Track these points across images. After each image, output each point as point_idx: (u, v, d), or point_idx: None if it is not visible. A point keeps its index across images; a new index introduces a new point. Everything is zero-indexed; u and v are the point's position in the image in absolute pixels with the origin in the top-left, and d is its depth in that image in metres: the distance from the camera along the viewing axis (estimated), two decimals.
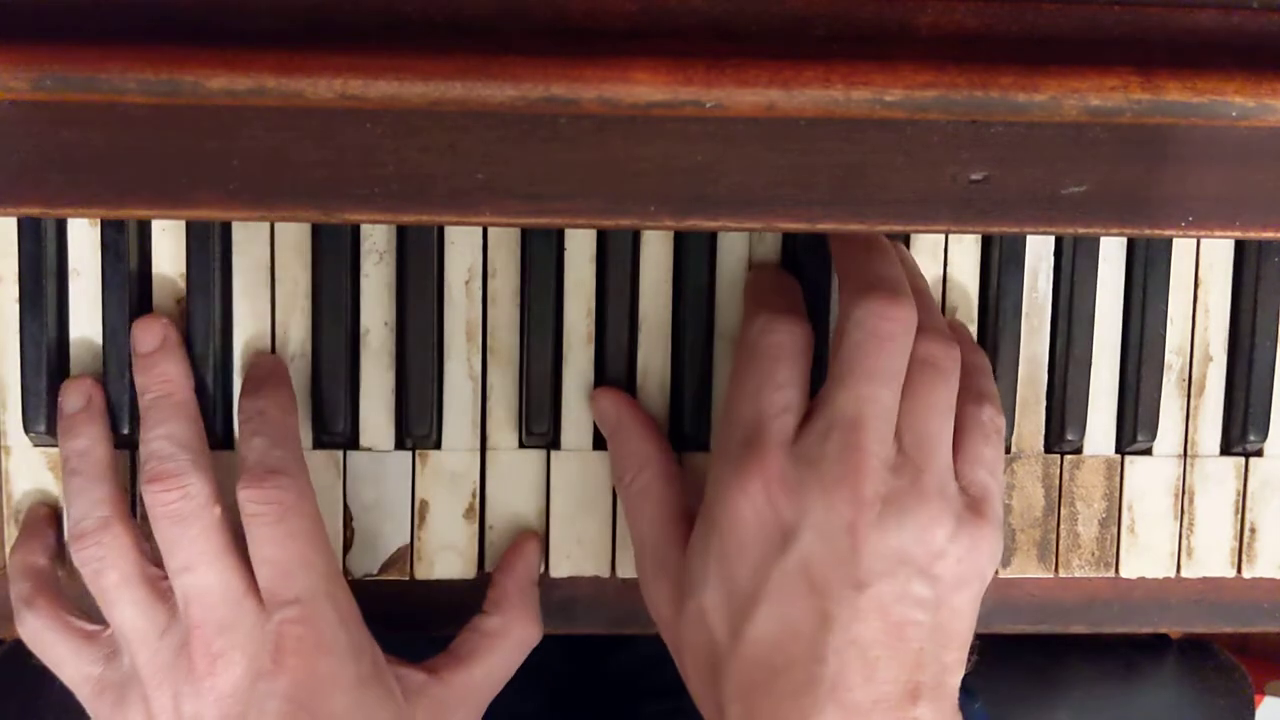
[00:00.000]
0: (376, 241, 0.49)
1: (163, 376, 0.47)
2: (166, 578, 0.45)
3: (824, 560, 0.42)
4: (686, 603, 0.45)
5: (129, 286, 0.48)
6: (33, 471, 0.49)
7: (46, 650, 0.47)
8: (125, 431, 0.48)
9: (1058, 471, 0.52)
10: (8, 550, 0.48)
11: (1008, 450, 0.51)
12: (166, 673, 0.44)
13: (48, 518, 0.49)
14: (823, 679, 0.41)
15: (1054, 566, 0.52)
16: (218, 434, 0.49)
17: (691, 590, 0.44)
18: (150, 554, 0.46)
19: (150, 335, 0.47)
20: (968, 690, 0.48)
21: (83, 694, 0.46)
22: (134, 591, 0.45)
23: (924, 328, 0.45)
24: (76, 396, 0.48)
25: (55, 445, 0.49)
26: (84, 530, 0.45)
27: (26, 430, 0.48)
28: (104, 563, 0.45)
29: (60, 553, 0.48)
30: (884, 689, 0.41)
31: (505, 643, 0.48)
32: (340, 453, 0.49)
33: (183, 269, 0.48)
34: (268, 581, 0.44)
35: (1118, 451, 0.52)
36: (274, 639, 0.44)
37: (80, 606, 0.47)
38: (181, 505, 0.44)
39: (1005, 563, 0.52)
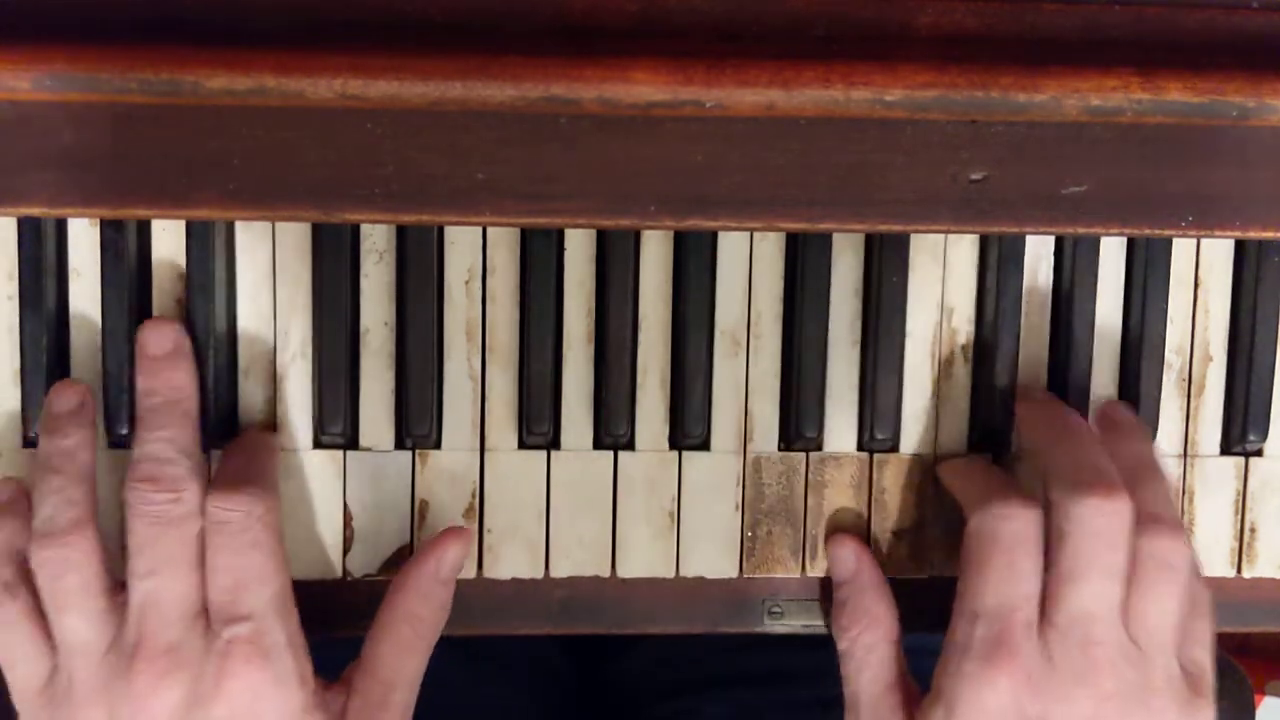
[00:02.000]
0: (376, 241, 0.49)
1: (171, 383, 0.46)
2: (123, 593, 0.44)
3: None
4: None
5: (129, 286, 0.48)
6: (21, 474, 0.49)
7: (7, 646, 0.45)
8: (124, 432, 0.48)
9: None
10: None
11: (1007, 449, 0.51)
12: (103, 692, 0.43)
13: (21, 493, 0.47)
14: None
15: None
16: (221, 435, 0.49)
17: None
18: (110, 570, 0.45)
19: (162, 340, 0.47)
20: None
21: (15, 698, 0.45)
22: (91, 601, 0.44)
23: (1156, 519, 0.46)
24: (71, 397, 0.47)
25: None
26: (53, 529, 0.44)
27: (26, 430, 0.48)
28: (68, 565, 0.44)
29: None
30: None
31: (396, 631, 0.47)
32: (340, 453, 0.49)
33: (183, 269, 0.48)
34: (221, 593, 0.44)
35: None
36: (219, 660, 0.43)
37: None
38: (169, 509, 0.44)
39: None
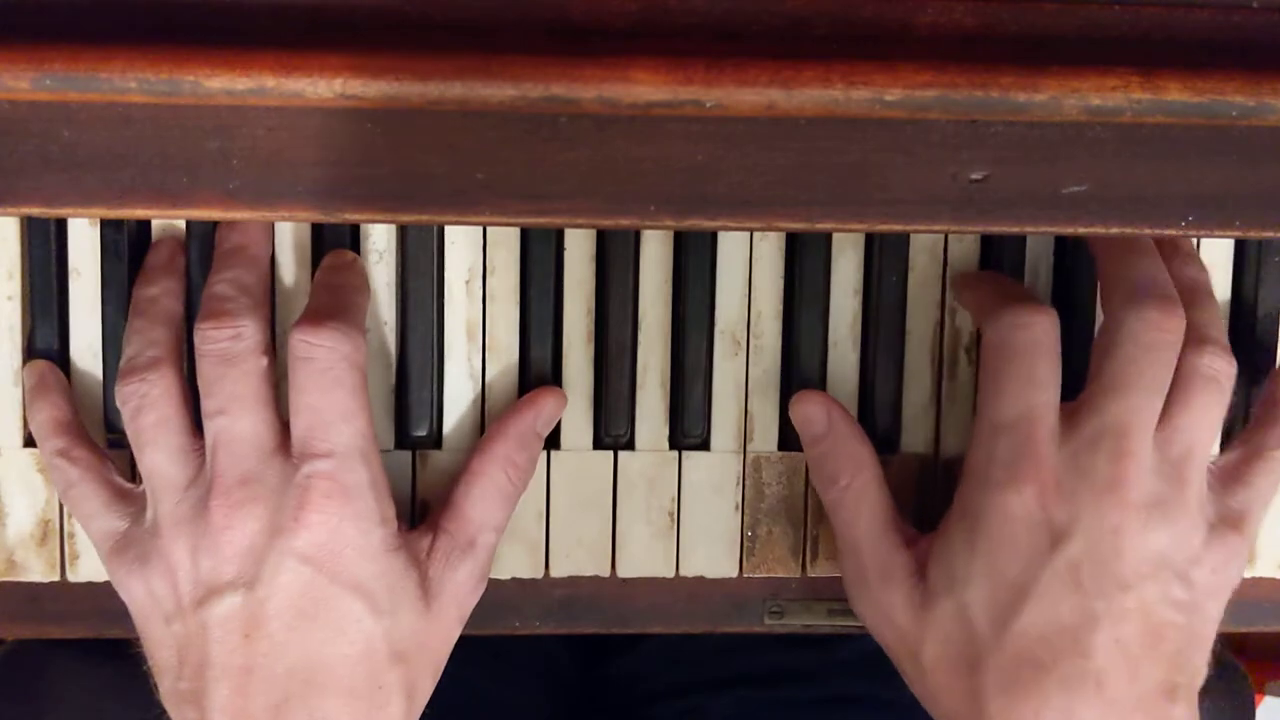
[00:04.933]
0: (376, 241, 0.49)
1: (245, 230, 0.46)
2: (201, 433, 0.44)
3: (1091, 561, 0.43)
4: (940, 601, 0.45)
5: (129, 286, 0.48)
6: (21, 473, 0.49)
7: (78, 504, 0.46)
8: (124, 431, 0.48)
9: None
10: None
11: None
12: (186, 525, 0.43)
13: (49, 371, 0.48)
14: (1088, 674, 0.43)
15: None
16: None
17: (949, 588, 0.45)
18: (192, 411, 0.45)
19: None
20: None
21: (103, 550, 0.46)
22: (170, 437, 0.44)
23: (1205, 338, 0.46)
24: (163, 252, 0.47)
25: None
26: (134, 366, 0.45)
27: (26, 429, 0.48)
28: (146, 400, 0.44)
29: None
30: (1145, 687, 0.43)
31: (484, 478, 0.47)
32: None
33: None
34: (304, 430, 0.44)
35: None
36: (299, 493, 0.43)
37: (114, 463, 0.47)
38: (231, 345, 0.44)
39: None
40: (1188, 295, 0.46)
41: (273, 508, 0.43)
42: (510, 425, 0.48)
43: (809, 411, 0.49)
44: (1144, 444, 0.44)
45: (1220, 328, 0.47)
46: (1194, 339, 0.45)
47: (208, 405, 0.44)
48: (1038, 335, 0.45)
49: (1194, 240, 0.50)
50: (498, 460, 0.47)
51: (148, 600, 0.44)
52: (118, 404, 0.45)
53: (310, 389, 0.44)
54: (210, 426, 0.44)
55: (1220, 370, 0.45)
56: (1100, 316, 0.51)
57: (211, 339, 0.44)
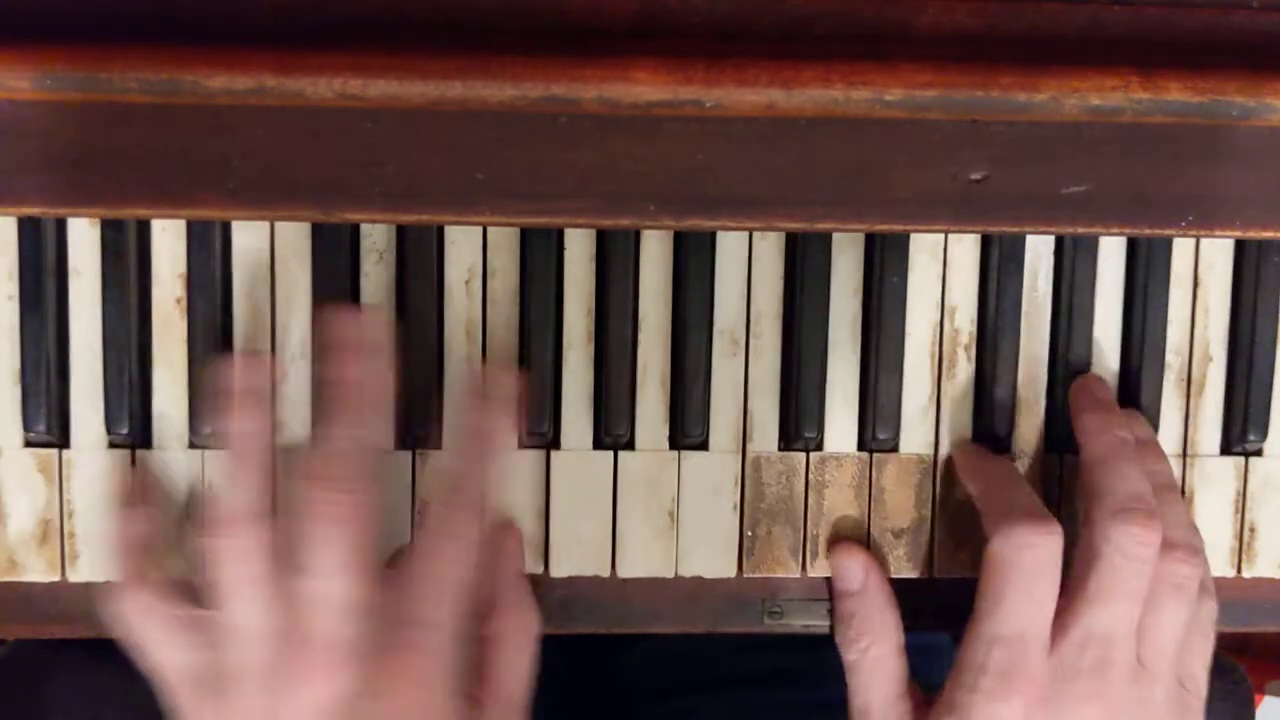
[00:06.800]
0: (376, 241, 0.49)
1: (363, 362, 0.46)
2: (288, 580, 0.44)
3: None
4: None
5: (129, 286, 0.48)
6: (21, 473, 0.49)
7: (142, 632, 0.46)
8: (124, 432, 0.48)
9: (1058, 472, 0.52)
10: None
11: (1008, 449, 0.51)
12: (270, 674, 0.43)
13: (144, 485, 0.48)
14: None
15: None
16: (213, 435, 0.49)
17: None
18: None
19: (358, 327, 0.46)
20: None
21: (169, 680, 0.45)
22: (261, 589, 0.44)
23: (1172, 543, 0.47)
24: (256, 374, 0.47)
25: (49, 446, 0.48)
26: (232, 517, 0.44)
27: (26, 429, 0.48)
28: (240, 554, 0.44)
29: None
30: None
31: (514, 640, 0.48)
32: None
33: (183, 269, 0.48)
34: (412, 597, 0.44)
35: None
36: (388, 660, 0.43)
37: (180, 585, 0.46)
38: (348, 510, 0.44)
39: None
40: (1160, 497, 0.48)
41: (358, 669, 0.43)
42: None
43: (848, 566, 0.50)
44: (1126, 652, 0.46)
45: (1185, 522, 0.49)
46: (1164, 544, 0.47)
47: (311, 561, 0.43)
48: (1043, 558, 0.46)
49: (1194, 240, 0.50)
50: (513, 616, 0.49)
51: None
52: (206, 549, 0.44)
53: (436, 558, 0.45)
54: (309, 584, 0.43)
55: (1187, 577, 0.47)
56: (1101, 316, 0.51)
57: (329, 500, 0.43)
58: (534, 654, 0.49)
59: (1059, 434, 0.51)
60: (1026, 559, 0.46)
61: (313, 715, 0.43)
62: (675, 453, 0.50)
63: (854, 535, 0.51)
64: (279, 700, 0.43)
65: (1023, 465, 0.51)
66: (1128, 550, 0.46)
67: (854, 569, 0.50)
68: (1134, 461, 0.48)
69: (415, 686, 0.43)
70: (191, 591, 0.46)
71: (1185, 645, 0.48)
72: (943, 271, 0.51)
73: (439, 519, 0.45)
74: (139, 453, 0.49)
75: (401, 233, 0.48)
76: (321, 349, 0.46)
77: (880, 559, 0.50)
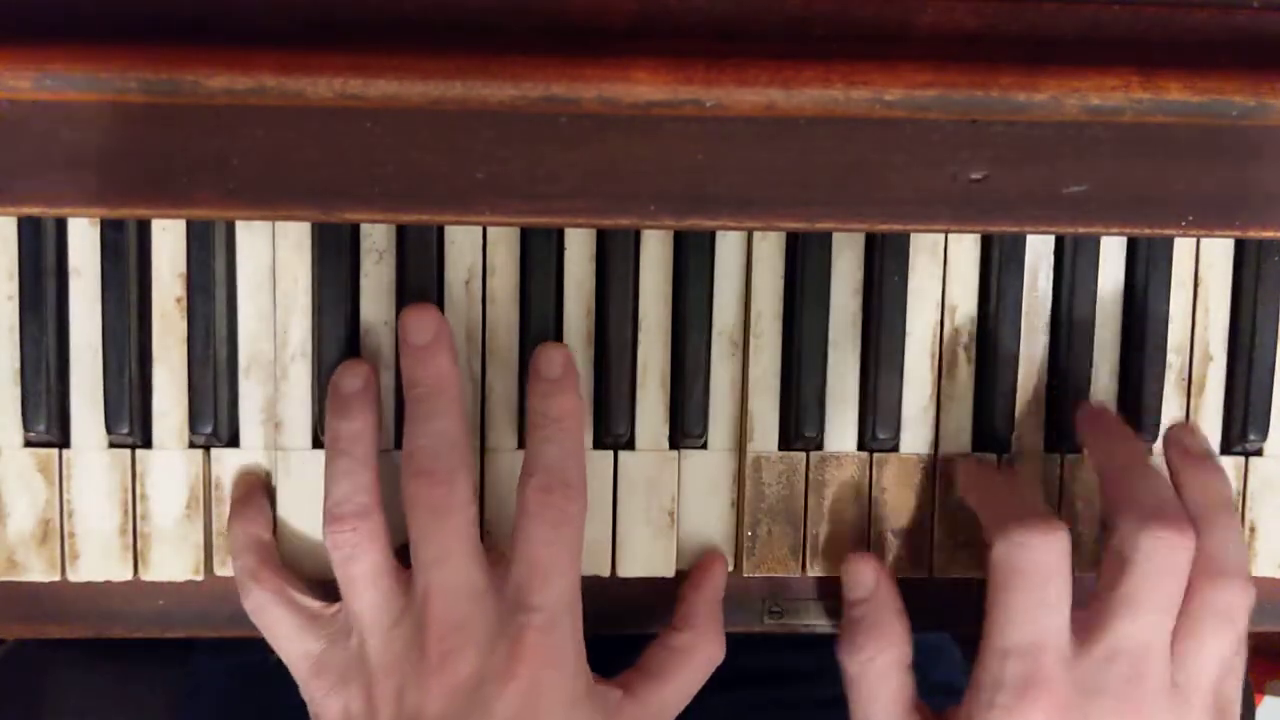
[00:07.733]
0: (376, 241, 0.49)
1: (438, 371, 0.47)
2: (408, 569, 0.46)
3: None
4: None
5: (129, 286, 0.48)
6: (21, 473, 0.49)
7: (270, 625, 0.47)
8: (125, 431, 0.48)
9: (1058, 472, 0.52)
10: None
11: (1008, 449, 0.51)
12: (396, 663, 0.45)
13: (260, 486, 0.49)
14: None
15: None
16: (222, 434, 0.49)
17: None
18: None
19: (425, 327, 0.47)
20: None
21: (299, 670, 0.47)
22: (381, 581, 0.46)
23: (1222, 569, 0.45)
24: (355, 377, 0.48)
25: (49, 446, 0.48)
26: (344, 514, 0.46)
27: (26, 429, 0.48)
28: (358, 549, 0.45)
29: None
30: None
31: (694, 659, 0.48)
32: None
33: (183, 269, 0.48)
34: (523, 579, 0.45)
35: None
36: (509, 645, 0.44)
37: (303, 580, 0.48)
38: (447, 500, 0.45)
39: None
40: (1208, 513, 0.46)
41: (482, 654, 0.44)
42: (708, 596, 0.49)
43: (859, 571, 0.49)
44: (1159, 667, 0.44)
45: (1239, 547, 0.46)
46: (1211, 569, 0.45)
47: (421, 554, 0.45)
48: (1051, 559, 0.44)
49: (1194, 240, 0.50)
50: (706, 638, 0.49)
51: (343, 718, 0.46)
52: (327, 547, 0.46)
53: (536, 542, 0.45)
54: (425, 575, 0.45)
55: (1235, 606, 0.45)
56: (1101, 316, 0.51)
57: (428, 494, 0.45)
58: (701, 680, 0.49)
59: (1059, 434, 0.51)
60: (1031, 561, 0.44)
61: (444, 702, 0.44)
62: (675, 452, 0.50)
63: (854, 535, 0.51)
64: (410, 688, 0.44)
65: (1023, 466, 0.51)
66: (1156, 557, 0.44)
67: (866, 574, 0.49)
68: (1156, 475, 0.47)
69: (541, 668, 0.44)
70: (318, 585, 0.48)
71: (1226, 671, 0.46)
72: (943, 271, 0.51)
73: (536, 504, 0.45)
74: (139, 452, 0.49)
75: (401, 232, 0.49)
76: (404, 348, 0.47)
77: (880, 559, 0.50)
